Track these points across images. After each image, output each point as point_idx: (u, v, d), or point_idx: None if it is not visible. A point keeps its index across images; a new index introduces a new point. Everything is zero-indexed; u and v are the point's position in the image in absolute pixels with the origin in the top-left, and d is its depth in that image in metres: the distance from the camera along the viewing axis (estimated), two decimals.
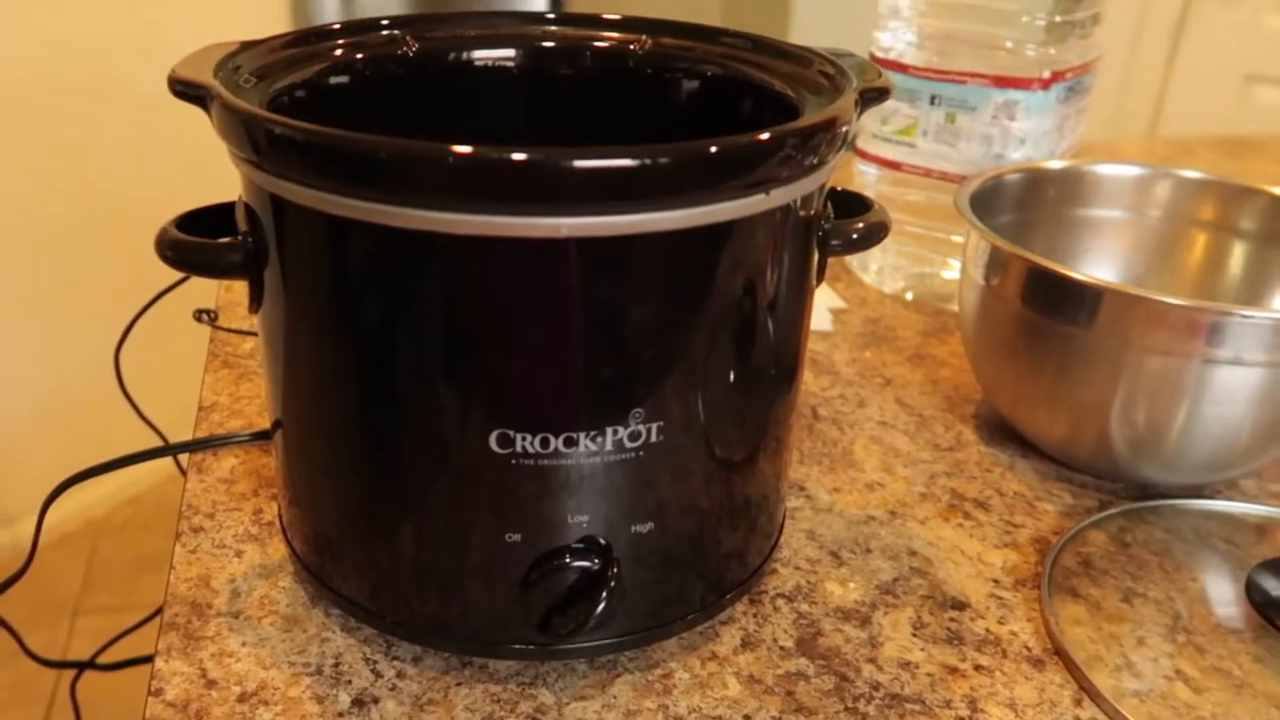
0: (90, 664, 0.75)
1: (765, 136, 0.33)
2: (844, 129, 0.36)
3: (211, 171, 0.36)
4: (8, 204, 1.56)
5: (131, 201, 1.63)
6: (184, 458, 0.56)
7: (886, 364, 0.64)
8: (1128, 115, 2.04)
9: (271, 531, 0.47)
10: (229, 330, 0.65)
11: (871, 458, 0.55)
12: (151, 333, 0.73)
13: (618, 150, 0.30)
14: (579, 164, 0.30)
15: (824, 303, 0.70)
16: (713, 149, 0.32)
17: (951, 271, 0.69)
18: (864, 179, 0.71)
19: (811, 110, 0.38)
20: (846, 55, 0.42)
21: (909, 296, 0.71)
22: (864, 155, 0.70)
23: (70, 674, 0.89)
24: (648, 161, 0.31)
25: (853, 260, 0.75)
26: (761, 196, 0.33)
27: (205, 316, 0.66)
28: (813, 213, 0.38)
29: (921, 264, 0.71)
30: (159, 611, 0.46)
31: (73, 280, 1.65)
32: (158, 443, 0.61)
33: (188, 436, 0.57)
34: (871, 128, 0.68)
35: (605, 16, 0.47)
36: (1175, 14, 1.96)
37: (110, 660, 0.75)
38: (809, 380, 0.62)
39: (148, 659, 0.42)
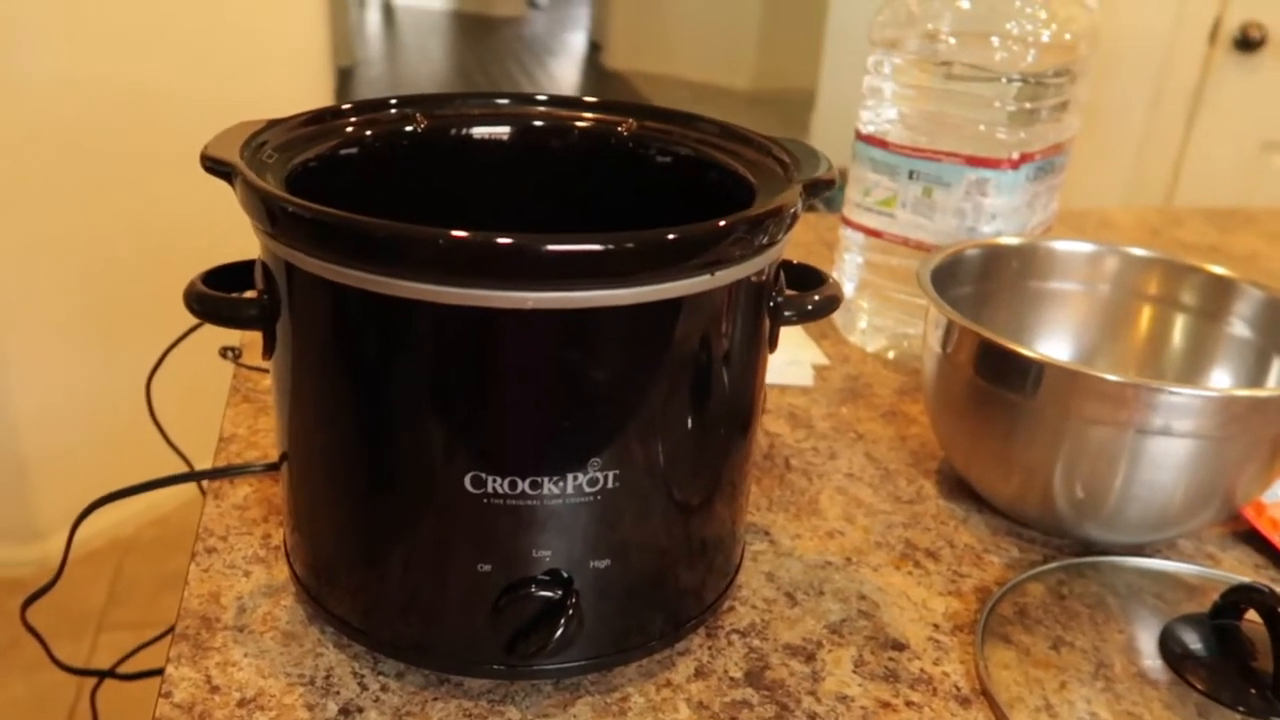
0: (110, 673, 0.80)
1: (720, 224, 0.38)
2: (790, 215, 0.41)
3: (240, 215, 0.41)
4: (54, 240, 1.63)
5: (169, 239, 1.71)
6: (204, 483, 0.61)
7: (861, 419, 0.68)
8: (1147, 181, 2.08)
9: (277, 555, 0.52)
10: (251, 368, 0.70)
11: (835, 507, 0.59)
12: (182, 365, 0.79)
13: (582, 237, 0.35)
14: (550, 248, 0.35)
15: (807, 359, 0.74)
16: (670, 236, 0.37)
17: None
18: (849, 244, 0.75)
19: (765, 194, 0.43)
20: (803, 145, 0.47)
21: (890, 355, 0.76)
22: (848, 223, 0.75)
23: (91, 682, 0.94)
24: (611, 247, 0.36)
25: (838, 319, 0.80)
26: (708, 276, 0.38)
27: (230, 354, 0.71)
28: (763, 288, 0.42)
29: (903, 325, 0.75)
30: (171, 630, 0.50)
31: (111, 312, 1.72)
32: (183, 468, 0.66)
33: (210, 463, 0.62)
34: (855, 198, 0.73)
35: (590, 99, 0.52)
36: (1193, 82, 2.00)
37: (129, 670, 0.80)
38: (786, 432, 0.66)
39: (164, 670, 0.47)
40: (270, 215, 0.38)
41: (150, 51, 1.66)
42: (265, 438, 0.63)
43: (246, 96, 1.78)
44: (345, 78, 5.23)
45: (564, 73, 6.09)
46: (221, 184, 0.42)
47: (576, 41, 6.94)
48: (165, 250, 1.72)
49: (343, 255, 0.37)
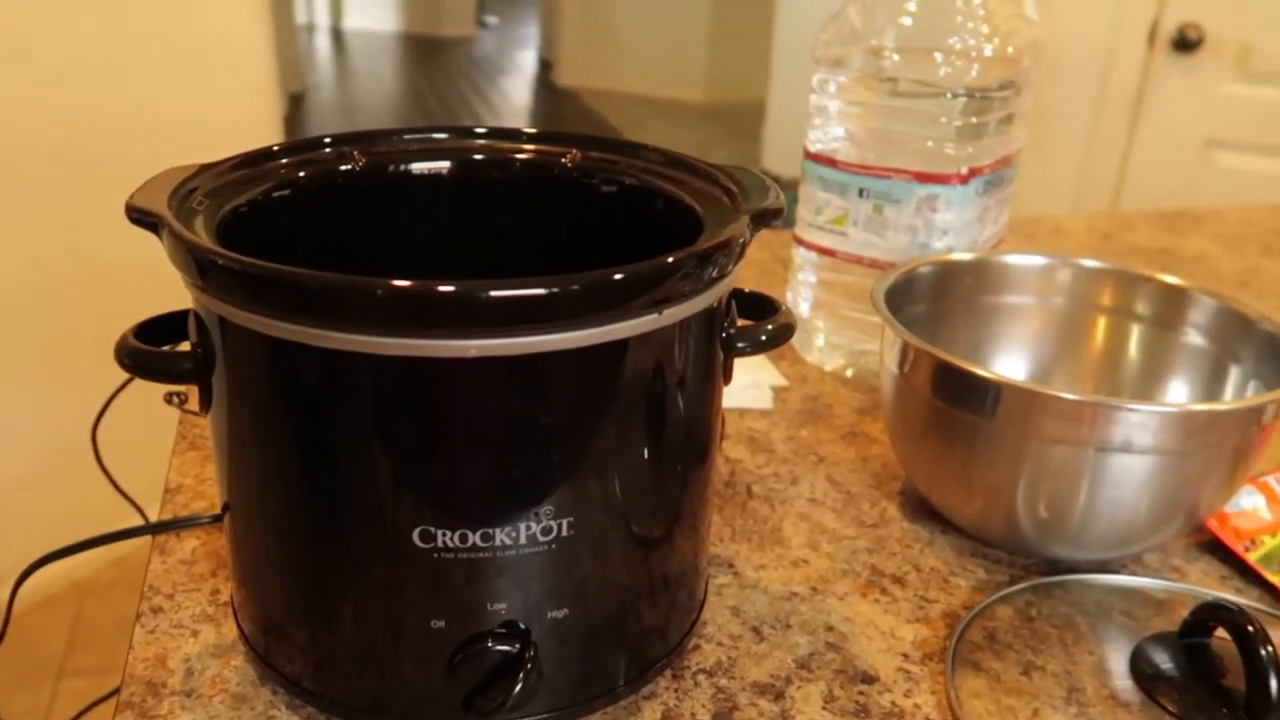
0: None
1: (668, 260, 0.37)
2: (739, 246, 0.40)
3: None
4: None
5: (115, 277, 1.67)
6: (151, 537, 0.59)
7: (821, 441, 0.67)
8: (1094, 184, 2.10)
9: (226, 612, 0.50)
10: (197, 413, 0.68)
11: (799, 534, 0.58)
12: (129, 407, 0.77)
13: (523, 281, 0.34)
14: (490, 294, 0.34)
15: (766, 381, 0.73)
16: (617, 276, 0.35)
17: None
18: (803, 262, 0.75)
19: (712, 225, 0.42)
20: (750, 172, 0.46)
21: (849, 374, 0.75)
22: (801, 242, 0.74)
23: None
24: (555, 290, 0.34)
25: (796, 339, 0.79)
26: (655, 315, 0.37)
27: (175, 399, 0.69)
28: (714, 321, 0.41)
29: (860, 342, 0.74)
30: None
31: (57, 352, 1.69)
32: (133, 513, 0.64)
33: (160, 505, 0.60)
34: (806, 217, 0.72)
35: (531, 130, 0.51)
36: (1134, 84, 2.03)
37: None
38: (746, 458, 0.65)
39: None
40: (200, 268, 0.37)
41: (94, 83, 1.63)
42: (213, 487, 0.61)
43: (194, 126, 1.75)
44: (297, 103, 5.18)
45: (516, 91, 6.08)
46: None
47: (527, 60, 6.94)
48: (111, 289, 1.69)
49: (276, 308, 0.36)
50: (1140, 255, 1.04)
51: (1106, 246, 1.07)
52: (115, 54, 1.65)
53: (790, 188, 0.56)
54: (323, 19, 7.89)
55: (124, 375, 0.71)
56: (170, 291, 0.44)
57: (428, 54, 7.00)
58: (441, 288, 0.34)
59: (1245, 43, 1.92)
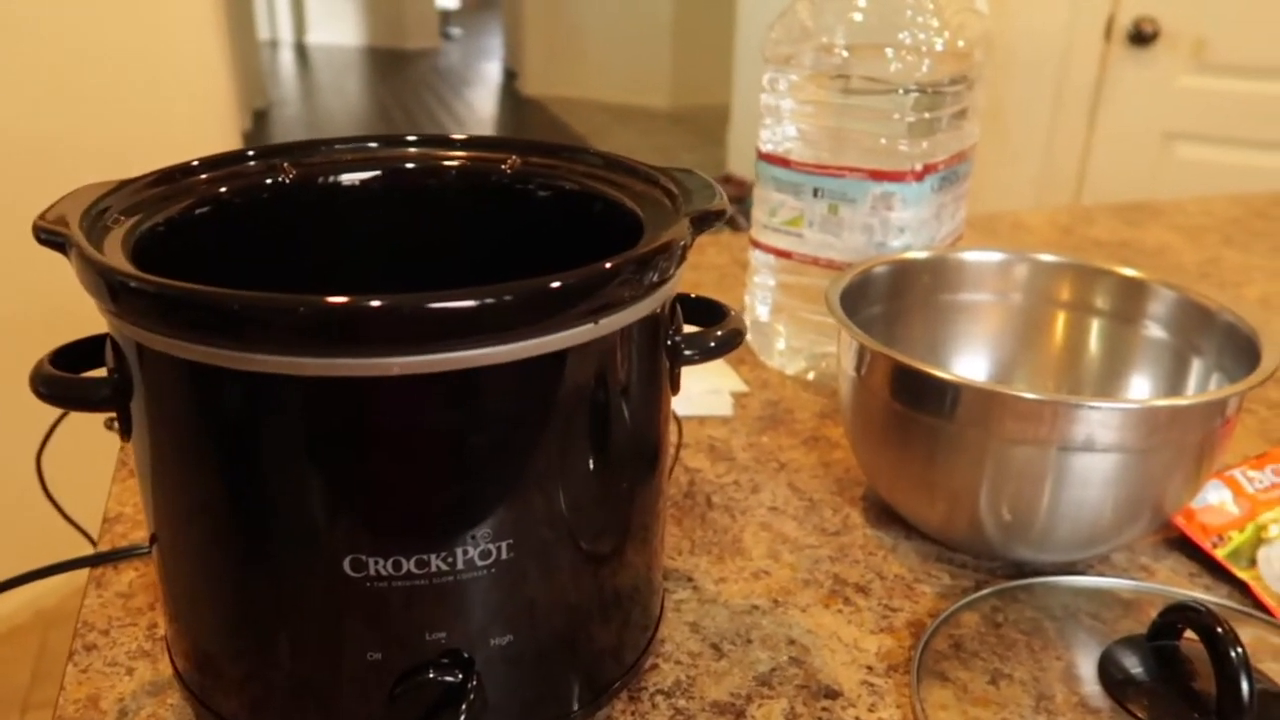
0: None
1: (606, 266, 0.35)
2: (680, 249, 0.38)
3: None
4: None
5: (62, 297, 1.64)
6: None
7: (783, 447, 0.66)
8: (1054, 177, 2.10)
9: (163, 648, 0.48)
10: None
11: (760, 545, 0.56)
12: (76, 431, 0.74)
13: (454, 294, 0.32)
14: (414, 308, 0.32)
15: (726, 387, 0.72)
16: (553, 285, 0.34)
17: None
18: (759, 265, 0.73)
19: (652, 228, 0.40)
20: (694, 174, 0.44)
21: (810, 377, 0.74)
22: (758, 245, 0.73)
23: None
24: (488, 301, 0.33)
25: (756, 343, 0.78)
26: (591, 325, 0.35)
27: (114, 425, 0.67)
28: (657, 328, 0.40)
29: (821, 345, 0.73)
30: None
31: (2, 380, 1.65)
32: (83, 541, 0.61)
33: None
34: (762, 219, 0.71)
35: (463, 137, 0.49)
36: (1092, 78, 2.03)
37: None
38: (706, 468, 0.63)
39: None
40: (111, 291, 0.35)
41: (46, 99, 1.60)
42: None
43: (150, 145, 1.72)
44: (261, 119, 5.14)
45: (481, 102, 6.05)
46: None
47: (492, 70, 6.92)
48: (58, 308, 1.65)
49: (193, 331, 0.34)
50: (1101, 248, 1.04)
51: (1067, 241, 1.06)
52: (69, 70, 1.62)
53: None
54: (286, 34, 7.84)
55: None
56: None
57: (392, 67, 6.97)
58: (364, 303, 0.32)
59: (1200, 36, 1.93)
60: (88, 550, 0.73)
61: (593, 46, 5.68)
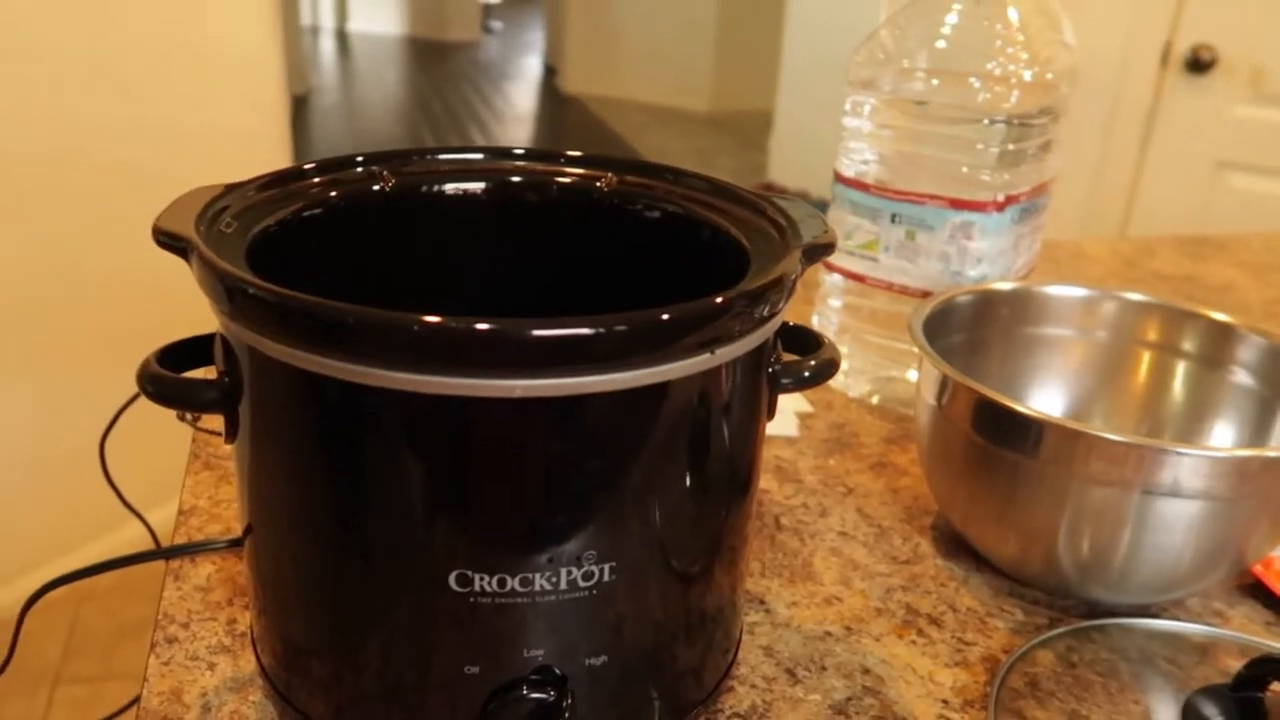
0: None
1: (717, 300, 0.35)
2: (791, 283, 0.38)
3: None
4: (3, 281, 1.58)
5: (126, 279, 1.66)
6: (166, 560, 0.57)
7: (849, 472, 0.66)
8: (1103, 204, 2.09)
9: (244, 643, 0.49)
10: (211, 432, 0.67)
11: (830, 570, 0.56)
12: (138, 412, 0.75)
13: (572, 320, 0.32)
14: (535, 333, 0.32)
15: (791, 407, 0.72)
16: (665, 316, 0.34)
17: (915, 374, 0.71)
18: (830, 288, 0.73)
19: (760, 259, 0.40)
20: (799, 203, 0.44)
21: (874, 400, 0.74)
22: (830, 266, 0.73)
23: None
24: (601, 330, 0.33)
25: None
26: (708, 355, 0.35)
27: (188, 417, 0.68)
28: (761, 359, 0.40)
29: (886, 369, 0.73)
30: (134, 703, 0.47)
31: (64, 357, 1.67)
32: (139, 526, 0.62)
33: (169, 511, 0.58)
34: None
35: (571, 153, 0.50)
36: (1146, 105, 2.02)
37: None
38: (774, 488, 0.63)
39: None
40: (230, 296, 0.35)
41: (99, 88, 1.62)
42: (228, 509, 0.59)
43: (200, 127, 1.74)
44: (300, 105, 5.17)
45: (520, 97, 6.07)
46: None
47: (532, 66, 6.93)
48: (122, 290, 1.67)
49: (310, 341, 0.34)
50: (1166, 283, 1.03)
51: (1131, 273, 1.05)
52: (120, 58, 1.64)
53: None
54: (327, 21, 7.88)
55: (131, 381, 0.70)
56: (182, 294, 0.42)
57: (432, 58, 7.00)
58: (480, 326, 0.32)
59: (1258, 65, 1.92)
60: (138, 529, 0.74)
61: (634, 46, 5.68)
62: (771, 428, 0.69)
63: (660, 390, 0.35)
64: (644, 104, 5.66)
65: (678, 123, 5.38)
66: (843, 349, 0.75)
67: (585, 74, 5.88)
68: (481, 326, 0.32)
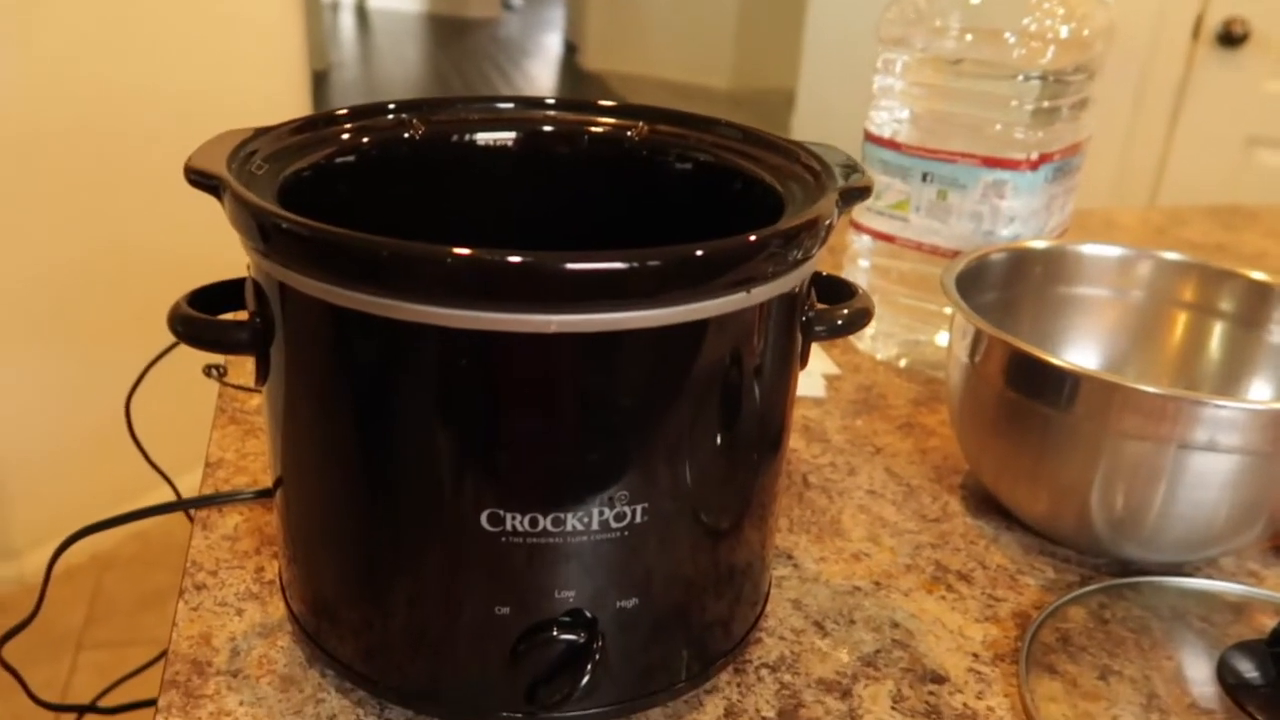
0: (91, 707, 0.76)
1: (751, 239, 0.35)
2: (826, 226, 0.38)
3: (225, 221, 0.38)
4: (28, 248, 1.59)
5: (150, 246, 1.67)
6: (192, 511, 0.57)
7: (877, 432, 0.65)
8: (1131, 177, 2.07)
9: (272, 590, 0.49)
10: (237, 387, 0.67)
11: (859, 527, 0.56)
12: (164, 378, 0.75)
13: (607, 254, 0.32)
14: (570, 266, 0.32)
15: (818, 369, 0.71)
16: (699, 252, 0.34)
17: (944, 336, 0.71)
18: (859, 248, 0.73)
19: (794, 205, 0.40)
20: (833, 150, 0.44)
21: (902, 364, 0.73)
22: (859, 227, 0.72)
23: (71, 715, 0.91)
24: (636, 265, 0.33)
25: None
26: (743, 294, 0.35)
27: (214, 372, 0.68)
28: (795, 303, 0.39)
29: (915, 332, 0.72)
30: (161, 655, 0.47)
31: (89, 322, 1.68)
32: (164, 486, 0.62)
33: (195, 477, 0.59)
34: (866, 201, 0.70)
35: (602, 103, 0.49)
36: (1177, 78, 1.99)
37: (111, 703, 0.76)
38: (801, 447, 0.63)
39: (148, 703, 0.43)
40: (263, 232, 0.35)
41: (124, 58, 1.62)
42: (255, 462, 0.59)
43: (222, 100, 1.74)
44: (320, 81, 5.17)
45: (540, 74, 6.05)
46: (200, 194, 0.39)
47: (552, 43, 6.90)
48: (146, 257, 1.68)
49: (343, 276, 0.34)
50: (1198, 251, 1.01)
51: (1162, 241, 1.04)
52: (143, 33, 1.64)
53: None
54: None
55: (157, 349, 0.70)
56: (204, 262, 0.42)
57: (452, 34, 6.98)
58: (514, 258, 0.32)
59: None
60: (167, 497, 0.75)
61: (656, 23, 5.64)
62: (798, 389, 0.68)
63: (695, 329, 0.35)
64: (665, 81, 5.63)
65: (699, 100, 5.35)
66: None
67: (606, 51, 5.84)
68: (515, 259, 0.32)
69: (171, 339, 0.68)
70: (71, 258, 1.63)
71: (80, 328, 1.68)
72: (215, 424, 0.64)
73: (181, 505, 0.57)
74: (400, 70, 5.98)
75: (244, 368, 0.69)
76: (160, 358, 0.72)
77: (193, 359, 0.69)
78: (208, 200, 0.39)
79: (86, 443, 1.68)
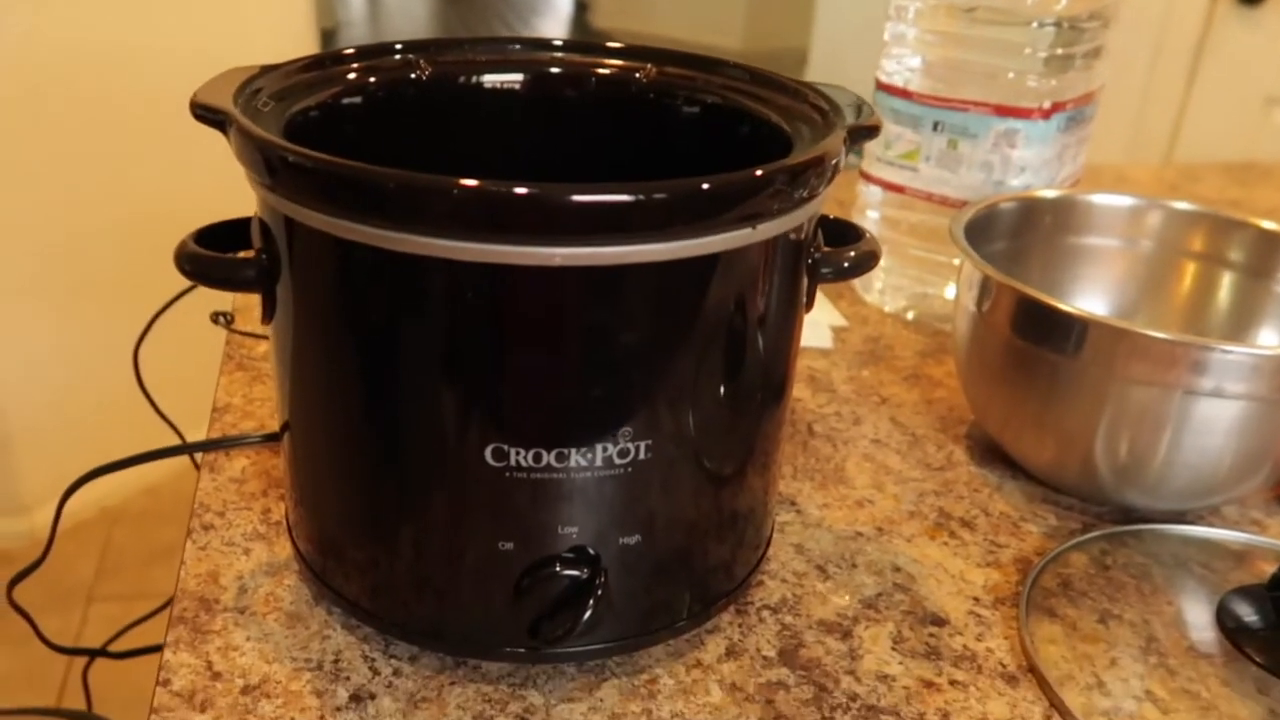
0: (102, 651, 0.77)
1: (757, 173, 0.35)
2: (833, 164, 0.37)
3: (230, 175, 0.38)
4: (33, 204, 1.59)
5: (154, 202, 1.66)
6: (198, 455, 0.58)
7: (884, 383, 0.65)
8: (1147, 137, 2.05)
9: (279, 531, 0.49)
10: (244, 333, 0.67)
11: (863, 475, 0.56)
12: (171, 331, 0.76)
13: (613, 186, 0.32)
14: (576, 198, 0.32)
15: (825, 320, 0.71)
16: (704, 185, 0.33)
17: (953, 290, 0.70)
18: (868, 200, 0.72)
19: (802, 143, 0.40)
20: (842, 90, 0.43)
21: (910, 316, 0.73)
22: (868, 178, 0.71)
23: (82, 660, 0.92)
24: (642, 197, 0.32)
25: (856, 279, 0.77)
26: (749, 230, 0.35)
27: (222, 319, 0.68)
28: (802, 243, 0.39)
29: (923, 284, 0.72)
30: (170, 602, 0.48)
31: (95, 277, 1.68)
32: (174, 439, 0.63)
33: (203, 433, 0.59)
34: (875, 151, 0.70)
35: (610, 45, 0.49)
36: (1195, 37, 1.96)
37: (121, 648, 0.77)
38: (807, 397, 0.63)
39: (158, 648, 0.44)
40: (269, 165, 0.35)
41: (132, 13, 1.61)
42: (261, 407, 0.60)
43: (229, 58, 1.72)
44: (328, 39, 5.13)
45: (550, 32, 6.00)
46: (208, 144, 0.39)
47: (562, 1, 6.83)
48: (150, 213, 1.67)
49: (349, 209, 0.34)
50: (1211, 206, 1.01)
51: (1174, 197, 1.03)
52: None
53: None
54: None
55: (162, 300, 0.71)
56: (211, 216, 0.42)
57: None
58: (520, 190, 0.32)
59: None
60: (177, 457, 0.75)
61: None
62: (805, 339, 0.68)
63: (699, 264, 0.35)
64: (676, 41, 5.56)
65: None
66: (880, 263, 0.74)
67: (616, 9, 5.78)
68: (521, 190, 0.32)
69: (178, 289, 0.69)
70: (75, 211, 1.63)
71: (87, 282, 1.68)
72: (223, 370, 0.64)
73: (189, 448, 0.58)
74: (408, 27, 5.93)
75: (251, 315, 0.69)
76: (168, 306, 0.72)
77: (199, 311, 0.70)
78: (216, 155, 0.39)
79: (95, 398, 1.69)
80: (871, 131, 0.40)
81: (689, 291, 0.35)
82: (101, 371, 1.54)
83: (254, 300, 0.63)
